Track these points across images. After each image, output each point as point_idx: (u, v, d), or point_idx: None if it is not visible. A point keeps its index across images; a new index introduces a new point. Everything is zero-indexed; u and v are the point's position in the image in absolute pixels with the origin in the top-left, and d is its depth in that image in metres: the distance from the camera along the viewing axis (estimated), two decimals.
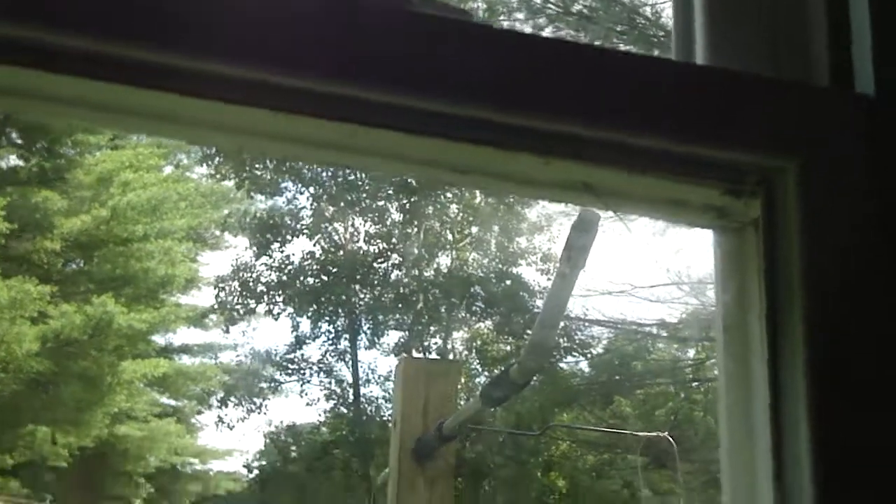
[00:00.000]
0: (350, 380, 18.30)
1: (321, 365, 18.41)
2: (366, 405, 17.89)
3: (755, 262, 0.85)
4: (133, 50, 0.71)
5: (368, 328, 18.26)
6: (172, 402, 19.01)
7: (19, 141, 16.74)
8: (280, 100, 0.74)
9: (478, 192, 17.50)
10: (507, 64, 0.75)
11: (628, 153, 0.80)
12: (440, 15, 0.73)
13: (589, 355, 16.72)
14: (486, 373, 16.51)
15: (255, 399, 18.43)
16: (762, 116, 0.81)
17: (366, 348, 18.46)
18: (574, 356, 16.81)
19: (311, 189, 18.63)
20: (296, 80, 0.73)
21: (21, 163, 16.65)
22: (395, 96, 0.72)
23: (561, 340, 15.95)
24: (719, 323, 0.87)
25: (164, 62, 0.72)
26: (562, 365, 16.50)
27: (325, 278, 18.20)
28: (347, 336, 18.38)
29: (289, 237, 18.51)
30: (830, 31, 0.87)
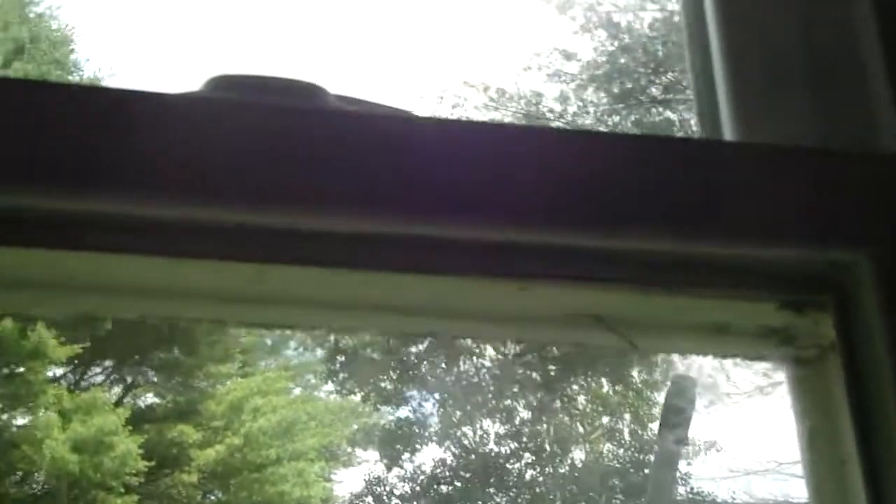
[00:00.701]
0: None
1: None
2: None
3: (842, 399, 0.62)
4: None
5: None
6: None
7: (155, 379, 17.27)
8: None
9: (604, 381, 17.14)
10: (462, 161, 0.58)
11: (644, 265, 0.60)
12: (368, 112, 0.58)
13: None
14: None
15: None
16: (819, 198, 0.61)
17: None
18: None
19: (436, 395, 18.60)
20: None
21: (158, 400, 17.16)
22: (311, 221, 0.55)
23: None
24: (808, 480, 0.65)
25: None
26: None
27: (458, 484, 17.85)
28: None
29: (418, 446, 18.36)
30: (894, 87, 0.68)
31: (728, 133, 0.68)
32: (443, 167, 0.56)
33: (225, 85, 0.59)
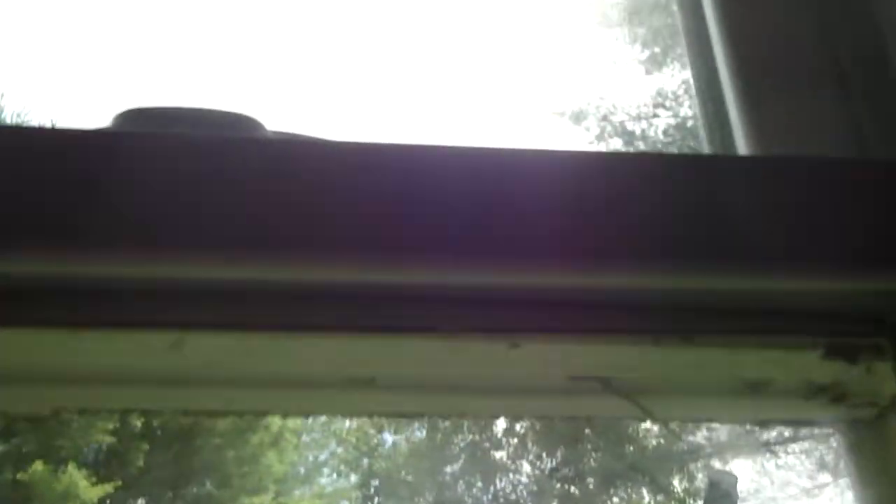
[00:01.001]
0: None
1: None
2: None
3: None
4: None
5: None
6: None
7: None
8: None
9: (645, 491, 16.76)
10: (433, 192, 0.47)
11: (654, 311, 0.49)
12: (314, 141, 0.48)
13: None
14: None
15: None
16: (865, 216, 0.50)
17: None
18: None
19: None
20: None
21: None
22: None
23: None
24: None
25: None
26: None
27: None
28: None
29: None
30: None
31: (743, 151, 0.58)
32: (411, 200, 0.46)
33: (136, 118, 0.50)
